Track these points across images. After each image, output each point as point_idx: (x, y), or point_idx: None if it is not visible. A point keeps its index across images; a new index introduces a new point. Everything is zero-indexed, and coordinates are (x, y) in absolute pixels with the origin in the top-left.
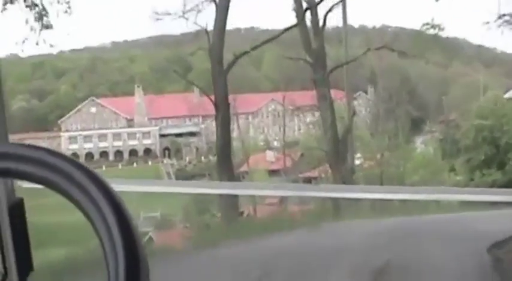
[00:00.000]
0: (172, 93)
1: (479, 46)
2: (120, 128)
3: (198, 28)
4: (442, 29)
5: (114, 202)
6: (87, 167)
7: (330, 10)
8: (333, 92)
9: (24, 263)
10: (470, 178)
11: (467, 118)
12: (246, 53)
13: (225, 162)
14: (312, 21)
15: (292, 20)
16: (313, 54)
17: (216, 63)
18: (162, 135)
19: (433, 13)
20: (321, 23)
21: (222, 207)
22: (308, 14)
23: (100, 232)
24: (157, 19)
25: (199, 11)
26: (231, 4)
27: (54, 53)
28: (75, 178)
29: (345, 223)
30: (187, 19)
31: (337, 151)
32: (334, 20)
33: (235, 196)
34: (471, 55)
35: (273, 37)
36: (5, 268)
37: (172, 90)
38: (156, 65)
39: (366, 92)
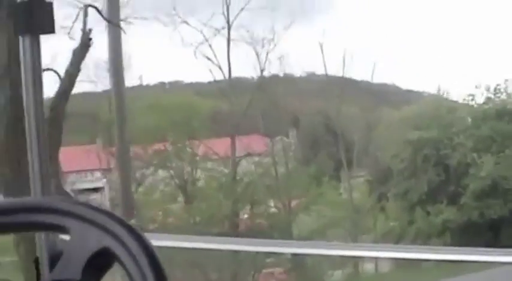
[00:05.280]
0: (74, 146)
1: (409, 91)
2: None
3: None
4: None
5: (152, 257)
6: (126, 222)
7: None
8: (250, 138)
9: None
10: (410, 220)
11: (397, 140)
12: None
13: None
14: None
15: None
16: None
17: None
18: (86, 190)
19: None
20: None
21: None
22: None
23: None
24: None
25: None
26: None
27: None
28: (115, 232)
29: None
30: None
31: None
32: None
33: None
34: (400, 99)
35: None
36: None
37: (76, 143)
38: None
39: (287, 136)
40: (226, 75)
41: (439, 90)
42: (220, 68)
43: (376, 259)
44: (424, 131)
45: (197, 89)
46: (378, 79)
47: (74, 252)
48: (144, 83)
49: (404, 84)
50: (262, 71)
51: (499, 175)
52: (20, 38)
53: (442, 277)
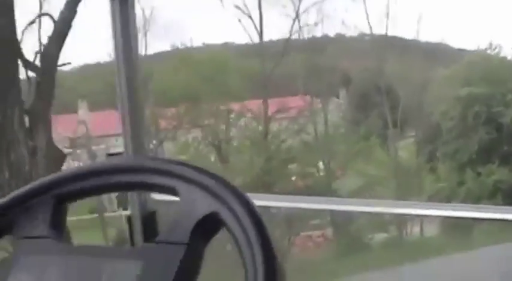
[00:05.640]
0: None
1: (461, 50)
2: (64, 147)
3: None
4: None
5: (256, 219)
6: (234, 186)
7: None
8: (296, 99)
9: None
10: (459, 181)
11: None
12: None
13: None
14: None
15: None
16: None
17: None
18: (110, 155)
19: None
20: None
21: None
22: None
23: (241, 248)
24: None
25: None
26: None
27: None
28: (223, 196)
29: None
30: None
31: None
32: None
33: None
34: (452, 59)
35: None
36: None
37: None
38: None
39: (338, 97)
40: (259, 29)
41: (491, 45)
42: (251, 18)
43: (422, 222)
44: (475, 87)
45: (244, 50)
46: (428, 38)
47: (182, 215)
48: (195, 45)
49: (456, 43)
50: (296, 18)
51: None
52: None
53: (492, 243)
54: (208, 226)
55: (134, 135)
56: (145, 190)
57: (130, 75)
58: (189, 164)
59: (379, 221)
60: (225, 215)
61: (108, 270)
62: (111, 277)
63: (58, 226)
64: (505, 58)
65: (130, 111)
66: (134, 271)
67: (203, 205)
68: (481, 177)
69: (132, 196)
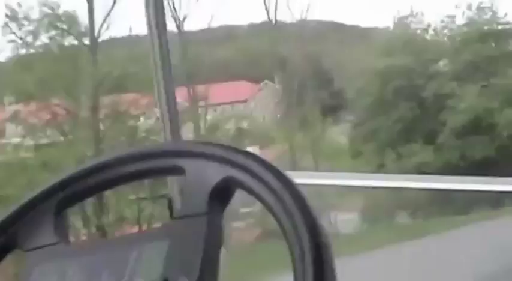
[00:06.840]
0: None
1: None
2: None
3: None
4: None
5: (300, 198)
6: (234, 146)
7: None
8: (239, 84)
9: None
10: (379, 163)
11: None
12: None
13: None
14: None
15: None
16: None
17: None
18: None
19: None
20: None
21: None
22: None
23: (286, 232)
24: None
25: None
26: None
27: None
28: (226, 157)
29: None
30: None
31: None
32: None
33: None
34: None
35: None
36: None
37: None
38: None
39: (273, 81)
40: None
41: (412, 11)
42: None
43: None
44: (395, 58)
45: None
46: (367, 23)
47: (195, 187)
48: None
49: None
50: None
51: (483, 107)
52: None
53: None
54: (224, 191)
55: (172, 119)
56: (152, 176)
57: (164, 57)
58: (190, 140)
59: None
60: (241, 176)
61: (134, 256)
62: (138, 261)
63: (63, 229)
64: (428, 25)
65: (166, 95)
66: (162, 251)
67: (215, 172)
68: (402, 160)
69: (171, 177)
